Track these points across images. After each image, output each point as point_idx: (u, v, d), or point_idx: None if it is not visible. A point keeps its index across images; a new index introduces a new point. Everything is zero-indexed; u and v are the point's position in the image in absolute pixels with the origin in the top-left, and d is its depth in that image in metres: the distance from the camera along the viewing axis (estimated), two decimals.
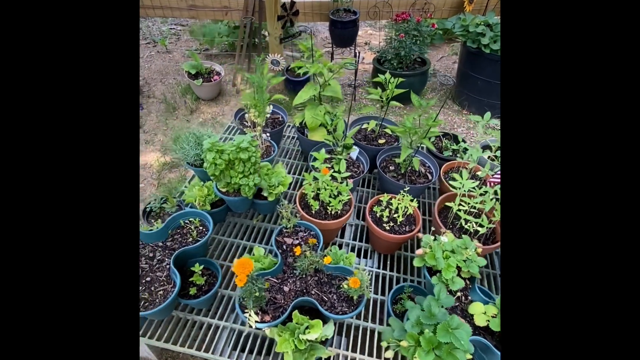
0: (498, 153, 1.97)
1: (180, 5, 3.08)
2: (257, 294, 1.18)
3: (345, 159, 1.97)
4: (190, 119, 3.38)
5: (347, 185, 1.67)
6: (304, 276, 1.40)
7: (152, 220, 1.80)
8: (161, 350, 1.61)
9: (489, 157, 1.95)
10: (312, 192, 1.63)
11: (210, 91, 3.55)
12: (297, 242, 1.52)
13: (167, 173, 2.76)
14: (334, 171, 1.73)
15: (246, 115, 1.92)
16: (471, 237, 1.61)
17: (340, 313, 1.30)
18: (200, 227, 1.58)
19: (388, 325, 1.26)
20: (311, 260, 1.32)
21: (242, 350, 1.40)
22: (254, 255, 1.52)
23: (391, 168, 2.08)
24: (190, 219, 1.60)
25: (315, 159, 1.87)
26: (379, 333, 1.46)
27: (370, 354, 1.41)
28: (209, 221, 1.56)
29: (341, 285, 1.33)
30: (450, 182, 1.67)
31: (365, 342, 1.46)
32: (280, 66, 3.39)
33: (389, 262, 1.81)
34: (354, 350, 1.43)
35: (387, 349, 1.23)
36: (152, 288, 1.35)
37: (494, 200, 1.59)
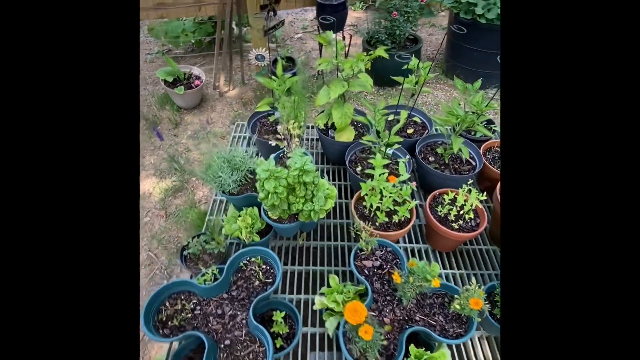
0: None
1: (146, 5, 2.67)
2: (383, 341, 1.02)
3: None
4: (178, 133, 3.04)
5: (410, 188, 1.53)
6: (399, 301, 1.26)
7: (194, 265, 1.56)
8: None
9: None
10: (378, 202, 1.47)
11: (193, 99, 3.20)
12: (378, 262, 1.37)
13: (171, 200, 2.46)
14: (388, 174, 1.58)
15: (279, 126, 1.70)
16: None
17: (454, 336, 1.18)
18: (264, 266, 1.38)
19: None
20: (416, 285, 1.17)
21: None
22: (331, 287, 1.36)
23: (431, 159, 1.96)
24: (250, 259, 1.39)
25: (364, 164, 1.70)
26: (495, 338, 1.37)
27: None
28: (273, 258, 1.36)
29: (451, 305, 1.21)
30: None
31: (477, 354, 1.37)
32: (266, 61, 3.12)
33: (452, 259, 1.72)
34: None
35: None
36: (237, 353, 1.15)
37: None
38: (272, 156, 1.80)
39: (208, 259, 1.58)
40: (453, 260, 1.74)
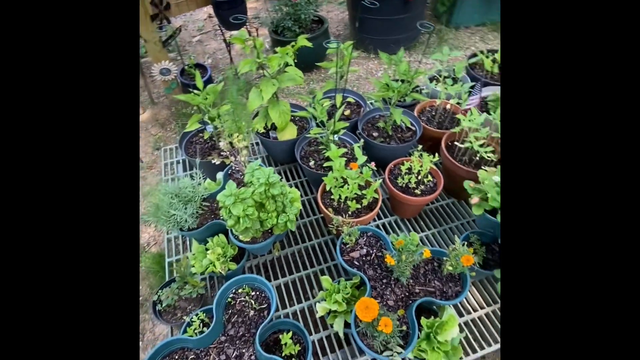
0: (448, 81, 2.06)
1: None
2: (402, 327, 1.03)
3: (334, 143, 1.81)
4: None
5: (370, 169, 1.54)
6: (396, 281, 1.29)
7: (172, 317, 1.40)
8: None
9: (444, 88, 2.02)
10: (347, 192, 1.45)
11: None
12: (364, 250, 1.37)
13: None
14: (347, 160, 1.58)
15: (221, 143, 1.56)
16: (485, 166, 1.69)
17: (454, 296, 1.25)
18: (253, 293, 1.29)
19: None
20: (406, 266, 1.20)
21: None
22: (327, 290, 1.33)
23: (375, 134, 2.00)
24: (237, 290, 1.29)
25: (315, 157, 1.67)
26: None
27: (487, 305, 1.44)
28: (260, 282, 1.28)
29: (443, 268, 1.26)
30: (461, 120, 1.67)
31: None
32: (172, 74, 2.85)
33: (421, 222, 1.82)
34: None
35: None
36: None
37: (488, 129, 1.67)
38: (219, 175, 1.67)
39: (186, 305, 1.43)
40: (422, 223, 1.83)
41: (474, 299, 1.52)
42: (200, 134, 1.96)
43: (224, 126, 1.39)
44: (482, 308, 1.49)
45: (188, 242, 1.79)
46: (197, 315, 1.26)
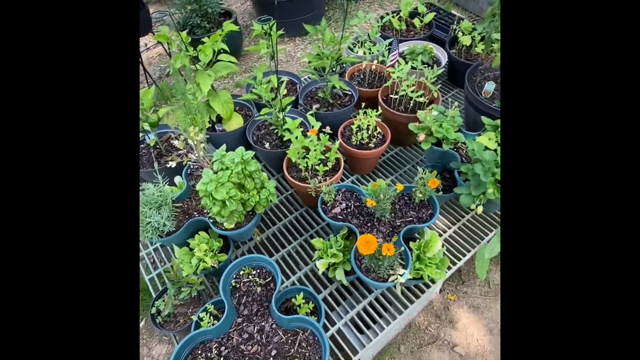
0: (367, 44, 2.24)
1: None
2: (401, 249, 1.15)
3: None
4: None
5: (327, 133, 1.64)
6: (379, 221, 1.42)
7: (174, 325, 1.36)
8: None
9: (364, 52, 2.21)
10: (315, 158, 1.53)
11: None
12: (344, 204, 1.48)
13: None
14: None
15: (176, 142, 1.51)
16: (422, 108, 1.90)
17: (429, 218, 1.43)
18: (255, 271, 1.32)
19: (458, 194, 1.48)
20: (386, 201, 1.33)
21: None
22: (321, 249, 1.41)
23: (317, 106, 2.10)
24: (239, 272, 1.30)
25: (269, 139, 1.72)
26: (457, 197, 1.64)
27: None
28: (258, 258, 1.31)
29: (414, 198, 1.42)
30: (392, 73, 1.85)
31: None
32: None
33: (380, 175, 1.99)
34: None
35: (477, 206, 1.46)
36: (290, 354, 1.13)
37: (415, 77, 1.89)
38: (178, 179, 1.63)
39: (186, 310, 1.40)
40: (379, 174, 1.99)
41: (441, 223, 1.74)
42: (142, 145, 1.86)
43: (178, 124, 1.36)
44: (449, 228, 1.71)
45: (163, 255, 1.72)
46: (204, 310, 1.25)
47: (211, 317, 1.24)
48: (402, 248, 1.27)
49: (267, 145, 1.86)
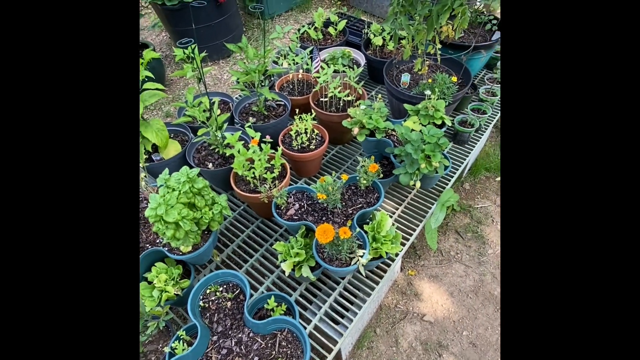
0: (290, 56, 2.37)
1: None
2: (357, 230, 1.23)
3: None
4: None
5: (268, 142, 1.69)
6: (332, 213, 1.50)
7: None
8: None
9: (289, 63, 2.33)
10: (261, 167, 1.57)
11: None
12: (297, 205, 1.53)
13: None
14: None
15: None
16: (350, 106, 2.05)
17: (377, 200, 1.54)
18: (221, 288, 1.31)
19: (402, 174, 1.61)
20: (336, 192, 1.42)
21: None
22: (285, 252, 1.44)
23: (253, 120, 2.15)
24: (206, 291, 1.28)
25: (211, 159, 1.73)
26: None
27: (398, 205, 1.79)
28: (223, 274, 1.31)
29: (359, 185, 1.53)
30: (318, 78, 1.97)
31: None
32: None
33: (324, 173, 2.08)
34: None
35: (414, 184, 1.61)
36: (271, 357, 1.14)
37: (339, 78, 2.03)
38: None
39: (156, 346, 1.34)
40: (327, 174, 2.09)
41: (389, 206, 1.88)
42: None
43: None
44: (396, 210, 1.85)
45: None
46: (176, 339, 1.21)
47: (185, 344, 1.20)
48: (357, 230, 1.36)
49: (210, 165, 1.86)
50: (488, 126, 2.30)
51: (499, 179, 2.39)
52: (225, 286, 1.31)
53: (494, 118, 2.34)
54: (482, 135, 2.26)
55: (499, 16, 2.53)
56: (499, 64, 2.61)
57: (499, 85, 2.43)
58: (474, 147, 2.18)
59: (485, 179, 2.40)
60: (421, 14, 1.65)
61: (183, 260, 1.40)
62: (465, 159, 2.11)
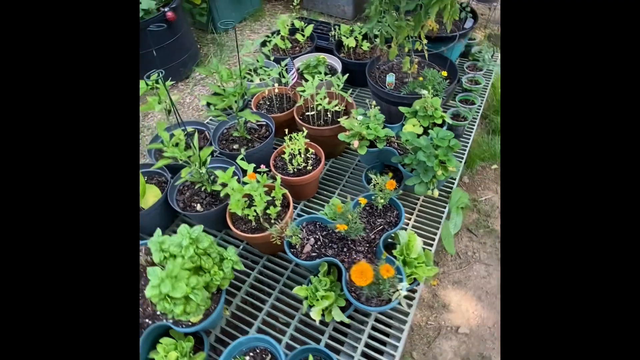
0: (261, 71, 2.18)
1: None
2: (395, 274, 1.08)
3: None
4: None
5: (264, 173, 1.50)
6: (353, 242, 1.34)
7: None
8: None
9: (261, 79, 2.14)
10: (262, 202, 1.38)
11: None
12: (312, 239, 1.36)
13: None
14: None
15: None
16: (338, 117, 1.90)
17: (397, 219, 1.40)
18: (247, 357, 1.11)
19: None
20: (356, 219, 1.26)
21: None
22: (309, 297, 1.27)
23: (236, 147, 1.94)
24: None
25: (197, 198, 1.52)
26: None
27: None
28: (247, 340, 1.11)
29: (377, 204, 1.38)
30: (300, 92, 1.80)
31: None
32: None
33: (324, 193, 1.92)
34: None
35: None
36: None
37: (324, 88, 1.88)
38: None
39: None
40: (324, 193, 1.92)
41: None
42: None
43: None
44: (409, 220, 1.73)
45: None
46: None
47: None
48: (384, 255, 1.21)
49: (198, 207, 1.63)
50: (477, 116, 2.24)
51: (494, 166, 2.35)
52: (252, 354, 1.12)
53: (481, 107, 2.29)
54: (474, 125, 2.20)
55: (471, 4, 2.49)
56: (473, 49, 2.57)
57: (481, 72, 2.39)
58: (469, 139, 2.12)
59: (481, 169, 2.35)
60: (407, 8, 1.53)
61: (194, 331, 1.18)
62: (464, 154, 2.04)
